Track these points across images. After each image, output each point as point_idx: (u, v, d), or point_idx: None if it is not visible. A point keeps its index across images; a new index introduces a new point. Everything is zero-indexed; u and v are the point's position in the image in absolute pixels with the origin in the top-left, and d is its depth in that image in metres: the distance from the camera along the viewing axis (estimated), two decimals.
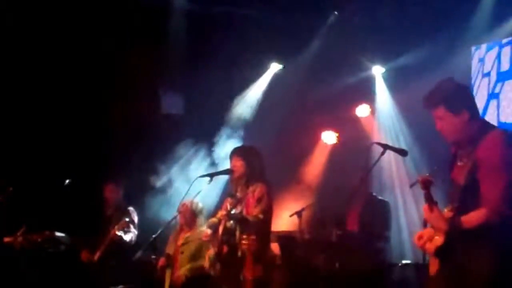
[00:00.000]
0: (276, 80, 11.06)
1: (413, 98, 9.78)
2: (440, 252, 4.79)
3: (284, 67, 11.09)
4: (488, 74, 9.51)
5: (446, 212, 4.90)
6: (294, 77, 10.70)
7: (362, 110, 10.85)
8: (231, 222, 7.14)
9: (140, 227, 9.08)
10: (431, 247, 4.84)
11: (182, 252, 8.15)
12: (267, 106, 10.85)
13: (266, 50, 10.54)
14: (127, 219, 8.69)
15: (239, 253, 7.00)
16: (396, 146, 8.32)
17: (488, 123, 4.83)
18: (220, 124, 10.51)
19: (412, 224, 10.24)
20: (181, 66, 10.19)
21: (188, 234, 8.30)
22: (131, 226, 8.83)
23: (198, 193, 7.32)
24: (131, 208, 9.08)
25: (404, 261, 9.37)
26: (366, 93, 10.85)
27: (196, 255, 8.11)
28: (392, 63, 10.59)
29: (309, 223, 9.33)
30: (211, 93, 10.31)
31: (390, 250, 9.52)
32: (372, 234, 8.79)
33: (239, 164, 7.32)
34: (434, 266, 4.91)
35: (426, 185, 4.63)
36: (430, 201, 4.61)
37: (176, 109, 10.78)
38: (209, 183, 7.28)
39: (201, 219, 8.28)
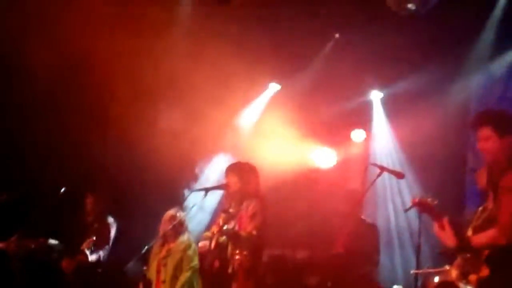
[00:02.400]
0: (274, 100, 11.07)
1: (410, 124, 9.98)
2: (484, 284, 4.88)
3: (281, 88, 11.11)
4: None
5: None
6: (292, 98, 10.70)
7: (357, 135, 10.89)
8: (223, 237, 7.13)
9: (131, 238, 9.07)
10: (473, 278, 4.94)
11: (165, 265, 7.99)
12: (262, 127, 10.86)
13: (265, 69, 10.54)
14: (94, 238, 8.61)
15: (230, 269, 6.99)
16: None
17: None
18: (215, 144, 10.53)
19: (405, 249, 10.25)
20: (181, 81, 10.18)
21: (171, 246, 8.09)
22: (101, 244, 8.77)
23: (193, 206, 7.32)
24: (111, 220, 9.00)
25: (395, 286, 9.34)
26: (363, 117, 10.89)
27: (179, 266, 7.95)
28: (390, 89, 10.63)
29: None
30: (211, 110, 10.30)
31: (379, 274, 9.55)
32: (361, 257, 8.83)
33: (234, 180, 7.32)
34: None
35: (423, 206, 4.72)
36: (438, 218, 4.72)
37: (174, 124, 10.75)
38: (204, 198, 7.30)
39: (185, 231, 8.12)
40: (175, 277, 7.95)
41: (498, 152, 4.93)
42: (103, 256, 8.78)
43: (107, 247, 8.84)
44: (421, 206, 4.81)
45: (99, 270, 8.70)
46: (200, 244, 7.41)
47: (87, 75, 9.64)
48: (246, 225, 7.05)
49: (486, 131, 4.96)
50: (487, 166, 5.10)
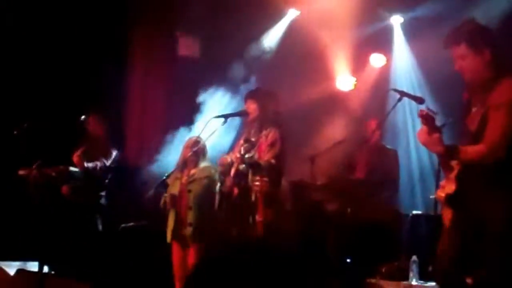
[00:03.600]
0: (293, 26, 10.96)
1: (431, 48, 9.85)
2: (451, 200, 4.80)
3: (301, 13, 10.99)
4: None
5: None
6: (311, 24, 10.60)
7: (377, 60, 10.80)
8: (243, 165, 7.14)
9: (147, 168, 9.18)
10: (442, 195, 4.86)
11: (189, 191, 7.81)
12: (283, 52, 10.79)
13: None
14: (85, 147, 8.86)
15: (251, 196, 7.03)
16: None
17: (505, 66, 4.78)
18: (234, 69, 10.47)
19: (425, 174, 10.25)
20: (199, 9, 10.10)
21: (193, 171, 7.92)
22: (97, 155, 8.94)
23: (212, 133, 7.31)
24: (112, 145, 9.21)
25: (414, 212, 9.38)
26: (383, 43, 10.78)
27: (203, 194, 7.82)
28: (411, 13, 10.49)
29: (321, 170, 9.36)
30: (228, 37, 10.24)
31: (399, 199, 9.59)
32: (381, 183, 8.86)
33: (253, 107, 7.30)
34: (447, 217, 4.92)
35: (427, 119, 4.64)
36: (432, 125, 4.61)
37: (192, 52, 10.71)
38: (223, 124, 7.28)
39: (205, 157, 7.97)
40: (202, 205, 7.81)
41: (477, 69, 4.74)
42: (101, 167, 8.89)
43: (104, 160, 8.94)
44: (426, 118, 4.70)
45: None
46: (221, 159, 7.43)
47: None
48: (265, 154, 7.06)
49: (460, 49, 4.75)
50: (467, 85, 4.88)
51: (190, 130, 9.15)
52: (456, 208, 4.85)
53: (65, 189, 8.93)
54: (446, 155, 4.63)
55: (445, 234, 5.00)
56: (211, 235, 7.64)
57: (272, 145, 7.09)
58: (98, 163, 8.92)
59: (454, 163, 4.86)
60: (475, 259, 4.88)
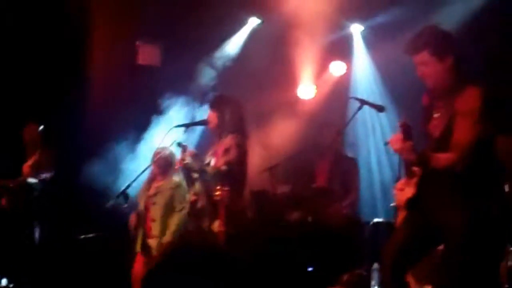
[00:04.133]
0: (255, 34, 10.95)
1: (391, 56, 9.90)
2: (410, 203, 4.81)
3: (262, 22, 10.98)
4: None
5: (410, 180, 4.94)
6: (272, 33, 10.60)
7: (337, 68, 10.83)
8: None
9: (107, 177, 9.12)
10: (401, 198, 4.88)
11: (154, 203, 7.92)
12: (243, 61, 10.77)
13: (245, 4, 10.42)
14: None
15: (212, 204, 6.98)
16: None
17: (469, 74, 4.78)
18: (196, 77, 10.44)
19: (386, 182, 10.29)
20: (160, 17, 10.05)
21: (160, 183, 8.06)
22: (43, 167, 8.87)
23: (173, 142, 7.26)
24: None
25: (376, 219, 9.40)
26: (343, 51, 10.81)
27: (169, 205, 7.94)
28: (371, 21, 10.53)
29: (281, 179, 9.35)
30: (189, 45, 10.20)
31: (360, 207, 9.62)
32: (341, 191, 8.88)
33: (213, 115, 7.26)
34: (399, 219, 4.94)
35: (406, 129, 4.63)
36: (407, 133, 4.60)
37: (152, 61, 10.64)
38: (184, 133, 7.23)
39: (173, 169, 8.01)
40: (165, 216, 7.92)
41: (439, 76, 4.72)
42: (47, 178, 8.81)
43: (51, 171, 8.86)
44: (405, 127, 4.69)
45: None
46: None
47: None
48: (218, 161, 7.01)
49: (422, 56, 4.71)
50: (429, 90, 4.85)
51: (151, 139, 9.09)
52: (413, 212, 4.86)
53: (4, 201, 8.86)
54: (418, 162, 4.62)
55: (395, 234, 5.01)
56: (174, 246, 7.67)
57: (225, 151, 7.03)
58: (48, 174, 8.83)
59: (416, 168, 4.86)
60: (417, 262, 4.92)
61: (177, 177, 7.97)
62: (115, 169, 9.30)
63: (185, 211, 7.74)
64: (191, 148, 8.62)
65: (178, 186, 7.95)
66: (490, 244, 4.61)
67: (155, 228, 7.87)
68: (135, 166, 8.59)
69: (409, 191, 4.85)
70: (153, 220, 7.88)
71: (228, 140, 7.06)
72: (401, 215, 5.01)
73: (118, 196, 7.30)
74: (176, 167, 7.64)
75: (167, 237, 7.88)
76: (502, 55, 8.84)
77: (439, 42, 4.73)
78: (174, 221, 7.92)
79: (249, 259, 7.02)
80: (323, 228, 8.62)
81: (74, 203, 9.47)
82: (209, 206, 7.01)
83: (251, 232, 7.35)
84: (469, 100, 4.58)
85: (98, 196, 8.70)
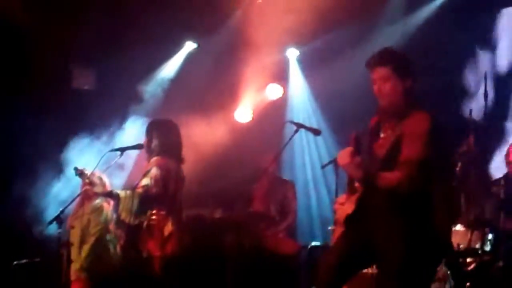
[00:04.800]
0: (189, 59, 10.93)
1: (327, 80, 10.01)
2: (349, 220, 4.81)
3: (198, 46, 10.98)
4: None
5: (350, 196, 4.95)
6: (208, 57, 10.61)
7: (273, 91, 10.87)
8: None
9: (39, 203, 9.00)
10: (341, 213, 4.86)
11: (72, 227, 7.81)
12: (179, 85, 10.74)
13: (181, 28, 10.42)
14: None
15: (144, 230, 6.90)
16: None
17: (419, 102, 4.82)
18: (131, 101, 10.36)
19: (322, 205, 10.34)
20: (94, 41, 9.96)
21: (86, 207, 7.93)
22: None
23: (108, 167, 7.18)
24: None
25: (313, 243, 9.43)
26: (279, 75, 10.87)
27: (85, 230, 7.83)
28: (307, 47, 10.62)
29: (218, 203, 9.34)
30: (124, 69, 10.13)
31: (297, 230, 9.64)
32: (278, 214, 8.90)
33: (145, 139, 7.24)
34: (335, 235, 4.93)
35: (356, 143, 4.63)
36: (357, 147, 4.60)
37: (87, 85, 10.54)
38: (119, 158, 7.15)
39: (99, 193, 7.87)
40: (83, 241, 7.82)
41: (396, 94, 4.73)
42: None
43: None
44: (356, 141, 4.69)
45: None
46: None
47: None
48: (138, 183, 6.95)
49: (384, 71, 4.73)
50: (381, 109, 4.83)
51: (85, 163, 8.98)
52: (350, 229, 4.86)
53: None
54: (364, 179, 4.61)
55: (330, 251, 5.01)
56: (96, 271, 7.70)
57: (145, 174, 6.97)
58: None
59: (358, 185, 4.87)
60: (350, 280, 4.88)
61: (98, 201, 7.85)
62: (46, 193, 9.15)
63: (98, 236, 7.73)
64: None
65: (95, 210, 7.86)
66: (424, 269, 4.64)
67: (73, 253, 7.79)
68: (69, 191, 8.48)
69: (349, 207, 4.84)
70: (72, 245, 7.79)
71: (150, 163, 7.01)
72: (338, 231, 4.98)
73: (51, 222, 7.17)
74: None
75: (78, 263, 7.77)
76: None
77: (402, 62, 4.79)
78: (87, 247, 7.81)
79: (184, 285, 6.98)
80: (260, 252, 8.61)
81: (6, 228, 9.27)
82: (146, 230, 6.92)
83: (186, 256, 7.27)
84: (419, 123, 4.62)
85: (31, 221, 8.58)
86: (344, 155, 4.57)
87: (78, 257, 7.78)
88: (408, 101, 4.75)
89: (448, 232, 4.89)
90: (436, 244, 4.64)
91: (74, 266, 7.75)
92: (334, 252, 4.85)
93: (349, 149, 4.57)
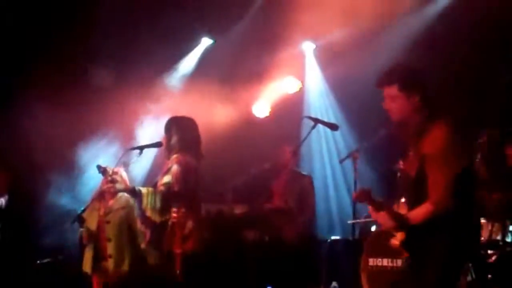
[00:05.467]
0: (206, 55, 10.95)
1: (343, 74, 10.00)
2: (404, 246, 4.90)
3: (215, 42, 11.00)
4: None
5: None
6: (225, 52, 10.62)
7: (291, 84, 10.87)
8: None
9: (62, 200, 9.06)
10: (396, 243, 4.96)
11: (108, 222, 7.74)
12: (196, 81, 10.76)
13: (198, 24, 10.44)
14: None
15: (169, 226, 6.92)
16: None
17: (435, 112, 4.87)
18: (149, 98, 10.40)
19: (341, 199, 10.34)
20: (112, 39, 10.00)
21: (111, 202, 7.88)
22: None
23: (129, 164, 7.21)
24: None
25: (333, 237, 9.44)
26: (296, 69, 10.86)
27: (123, 223, 7.78)
28: (322, 39, 10.60)
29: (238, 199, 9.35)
30: (142, 66, 10.17)
31: (317, 225, 9.64)
32: (298, 209, 8.90)
33: (164, 137, 7.24)
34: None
35: (365, 197, 4.73)
36: (374, 205, 4.76)
37: (105, 82, 10.57)
38: (139, 156, 7.18)
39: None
40: (120, 235, 7.75)
41: (405, 112, 4.83)
42: (2, 203, 8.67)
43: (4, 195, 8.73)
44: (361, 198, 4.80)
45: None
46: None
47: None
48: (159, 181, 6.96)
49: (392, 90, 4.83)
50: (395, 125, 4.96)
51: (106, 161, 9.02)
52: (409, 254, 4.96)
53: None
54: (398, 227, 4.73)
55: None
56: (131, 267, 7.61)
57: (166, 172, 6.97)
58: (3, 199, 8.69)
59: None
60: None
61: (124, 196, 7.86)
62: (69, 192, 9.20)
63: (134, 232, 7.70)
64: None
65: (130, 205, 7.85)
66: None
67: (110, 248, 7.69)
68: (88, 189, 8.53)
69: (401, 235, 4.95)
70: (108, 240, 7.71)
71: (170, 161, 7.02)
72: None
73: (73, 221, 7.22)
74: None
75: (126, 264, 7.73)
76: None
77: (408, 80, 4.86)
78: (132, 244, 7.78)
79: (207, 281, 7.00)
80: (280, 247, 8.63)
81: (30, 227, 9.34)
82: (168, 228, 6.94)
83: (207, 253, 7.29)
84: (436, 142, 4.69)
85: (54, 219, 8.63)
86: (371, 213, 4.77)
87: (116, 252, 7.70)
88: (422, 115, 4.83)
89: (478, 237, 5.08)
90: (467, 254, 4.87)
91: (111, 262, 7.65)
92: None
93: (371, 208, 4.73)
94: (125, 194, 7.76)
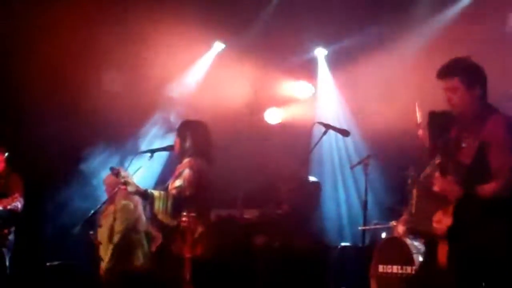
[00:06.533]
0: (218, 60, 10.97)
1: (355, 81, 9.99)
2: (451, 232, 4.87)
3: (226, 47, 11.01)
4: None
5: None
6: (236, 57, 10.63)
7: (303, 91, 10.88)
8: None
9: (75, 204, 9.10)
10: (442, 227, 4.90)
11: (100, 226, 7.92)
12: (208, 85, 10.78)
13: (210, 28, 10.44)
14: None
15: (180, 230, 6.92)
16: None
17: (492, 105, 5.01)
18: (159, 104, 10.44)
19: (352, 205, 10.32)
20: (123, 43, 10.03)
21: (110, 207, 8.00)
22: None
23: (138, 169, 7.21)
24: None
25: (343, 243, 9.42)
26: (308, 75, 10.87)
27: (112, 229, 7.91)
28: (335, 46, 10.61)
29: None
30: (153, 70, 10.19)
31: (327, 231, 9.63)
32: (307, 216, 8.90)
33: (176, 140, 7.23)
34: (442, 255, 4.95)
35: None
36: (443, 169, 4.79)
37: (115, 86, 10.59)
38: (149, 159, 7.19)
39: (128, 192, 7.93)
40: (110, 240, 7.90)
41: (466, 104, 4.94)
42: (17, 207, 8.67)
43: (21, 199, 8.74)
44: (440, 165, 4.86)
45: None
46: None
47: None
48: (171, 184, 6.96)
49: (453, 82, 4.95)
50: (457, 120, 5.03)
51: (120, 164, 9.05)
52: (455, 241, 4.91)
53: None
54: (464, 195, 4.75)
55: (439, 275, 5.05)
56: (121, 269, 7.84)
57: (178, 175, 6.96)
58: (19, 204, 8.68)
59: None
60: None
61: (125, 200, 7.90)
62: (77, 196, 9.25)
63: (124, 234, 7.83)
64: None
65: (121, 208, 7.90)
66: None
67: (101, 251, 7.90)
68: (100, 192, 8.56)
69: (446, 221, 4.90)
70: (100, 243, 7.89)
71: (183, 164, 7.01)
72: (442, 247, 4.98)
73: (84, 224, 7.25)
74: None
75: (106, 263, 7.87)
76: None
77: (470, 72, 4.98)
78: (111, 246, 7.90)
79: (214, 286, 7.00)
80: (290, 253, 8.63)
81: (40, 230, 9.38)
82: (178, 232, 6.95)
83: (216, 257, 7.29)
84: (497, 129, 4.82)
85: (65, 222, 8.66)
86: (437, 180, 4.79)
87: (106, 255, 7.87)
88: (480, 108, 4.95)
89: None
90: None
91: (104, 265, 7.83)
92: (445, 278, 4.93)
93: (438, 174, 4.80)
94: (125, 200, 7.83)
